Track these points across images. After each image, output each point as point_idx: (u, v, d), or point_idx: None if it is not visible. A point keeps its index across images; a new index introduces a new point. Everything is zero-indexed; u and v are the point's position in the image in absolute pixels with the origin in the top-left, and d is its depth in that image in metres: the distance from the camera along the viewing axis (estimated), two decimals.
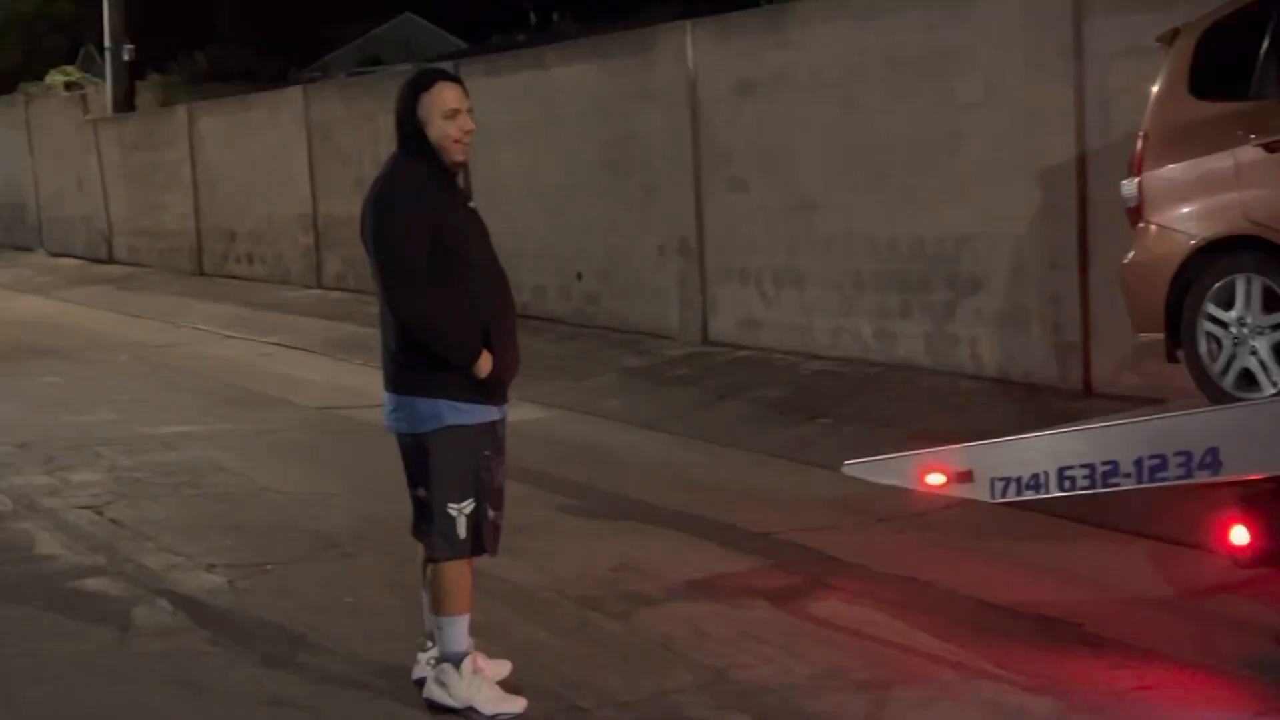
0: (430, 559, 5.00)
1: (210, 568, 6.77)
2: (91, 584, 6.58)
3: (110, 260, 25.11)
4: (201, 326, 17.10)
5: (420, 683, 5.09)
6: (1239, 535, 5.43)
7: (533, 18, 45.44)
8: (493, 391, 4.93)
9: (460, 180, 5.11)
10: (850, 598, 6.18)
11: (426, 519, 4.98)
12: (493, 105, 15.58)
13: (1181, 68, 6.06)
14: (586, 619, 5.96)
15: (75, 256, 26.32)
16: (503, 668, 5.19)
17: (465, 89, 4.93)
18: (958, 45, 10.29)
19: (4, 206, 29.96)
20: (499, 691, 4.97)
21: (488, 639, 5.67)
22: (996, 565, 6.55)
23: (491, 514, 4.99)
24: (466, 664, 4.94)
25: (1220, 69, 5.90)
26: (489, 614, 5.99)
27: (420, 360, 4.87)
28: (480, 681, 4.95)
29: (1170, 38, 6.23)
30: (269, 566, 6.81)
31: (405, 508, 7.84)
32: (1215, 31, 5.99)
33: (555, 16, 43.94)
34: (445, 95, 4.86)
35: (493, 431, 4.98)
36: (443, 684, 4.94)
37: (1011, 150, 9.92)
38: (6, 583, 6.61)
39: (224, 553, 7.04)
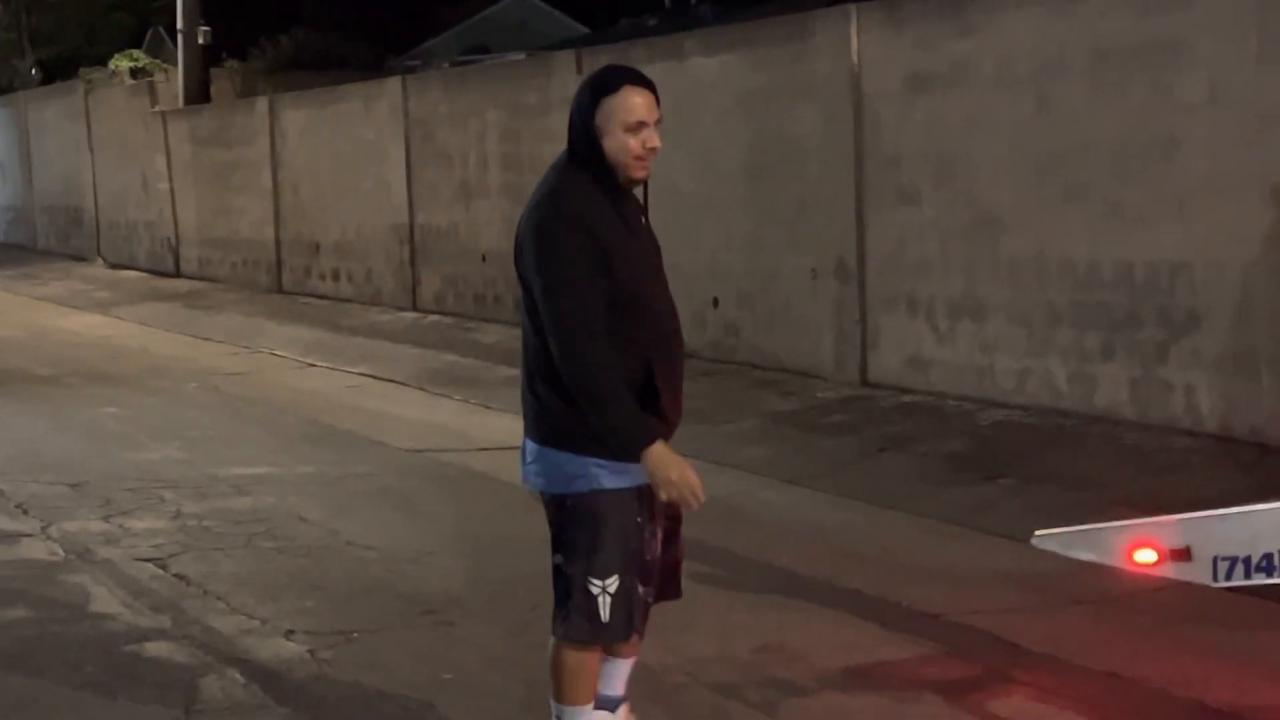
0: (566, 638, 4.87)
1: (288, 634, 6.81)
2: (153, 649, 6.64)
3: (177, 274, 25.60)
4: (279, 352, 17.35)
5: None
6: None
7: (667, 0, 45.80)
8: None
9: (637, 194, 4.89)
10: (1038, 694, 6.08)
11: (564, 592, 4.85)
12: None
13: None
14: (724, 708, 5.93)
15: (137, 268, 26.84)
16: None
17: (657, 97, 4.73)
18: (1176, 35, 10.16)
19: (59, 210, 30.59)
20: None
21: None
22: (1217, 661, 6.39)
23: (641, 591, 4.85)
24: None
25: None
26: None
27: (569, 406, 4.70)
28: None
29: None
30: (355, 634, 6.82)
31: (512, 570, 7.91)
32: None
33: None
34: (631, 103, 4.68)
35: (649, 495, 4.77)
36: None
37: (1240, 160, 9.77)
38: (57, 645, 6.70)
39: (304, 617, 7.09)
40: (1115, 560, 6.26)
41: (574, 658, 4.87)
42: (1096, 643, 6.67)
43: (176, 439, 11.76)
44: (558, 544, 4.84)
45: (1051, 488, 9.29)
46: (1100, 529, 6.48)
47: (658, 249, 4.89)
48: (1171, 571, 6.03)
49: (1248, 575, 5.72)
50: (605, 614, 4.76)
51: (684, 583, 7.67)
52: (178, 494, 9.71)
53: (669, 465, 4.60)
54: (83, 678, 6.27)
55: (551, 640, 4.91)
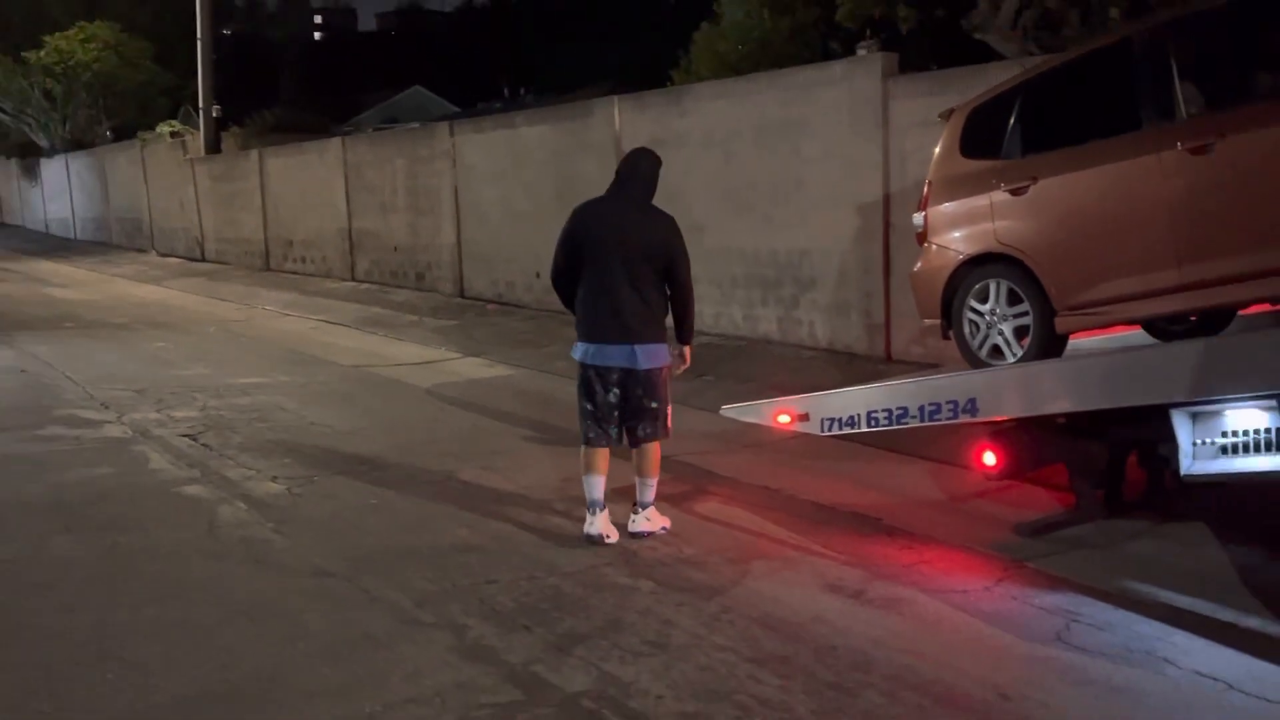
0: (657, 438, 5.46)
1: (274, 479, 6.71)
2: (189, 490, 6.49)
3: (203, 259, 24.64)
4: (268, 307, 16.83)
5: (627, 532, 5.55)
6: (989, 458, 5.54)
7: (505, 91, 45.23)
8: None
9: None
10: (723, 500, 6.24)
11: (652, 419, 5.41)
12: (478, 153, 15.47)
13: (955, 136, 6.12)
14: (542, 514, 5.97)
15: (178, 256, 25.80)
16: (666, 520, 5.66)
17: None
18: (803, 117, 10.34)
19: (127, 220, 29.30)
20: (663, 518, 5.64)
21: (472, 530, 5.67)
22: (824, 478, 6.63)
23: None
24: (654, 505, 5.60)
25: (981, 137, 5.95)
26: (475, 510, 6.00)
27: (659, 323, 5.36)
28: (658, 514, 5.60)
29: (948, 115, 6.29)
30: (315, 478, 6.73)
31: (415, 438, 7.80)
32: (978, 111, 6.05)
33: (521, 90, 43.79)
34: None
35: None
36: (649, 519, 5.53)
37: (839, 190, 10.00)
38: (130, 488, 6.51)
39: (284, 468, 6.97)
40: (767, 422, 6.37)
41: (659, 450, 5.51)
42: (757, 469, 6.87)
43: (203, 361, 11.37)
44: (653, 393, 5.38)
45: (732, 381, 9.47)
46: (759, 403, 6.58)
47: None
48: (799, 428, 6.15)
49: (840, 428, 5.86)
50: (670, 423, 5.53)
51: (521, 442, 7.72)
52: (204, 395, 9.41)
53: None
54: (146, 508, 6.11)
55: (645, 445, 5.46)
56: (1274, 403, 4.46)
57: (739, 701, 3.82)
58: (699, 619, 4.52)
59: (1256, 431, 4.56)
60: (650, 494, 5.54)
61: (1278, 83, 4.60)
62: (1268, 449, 4.53)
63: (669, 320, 5.49)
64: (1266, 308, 5.14)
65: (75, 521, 5.87)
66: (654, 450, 5.50)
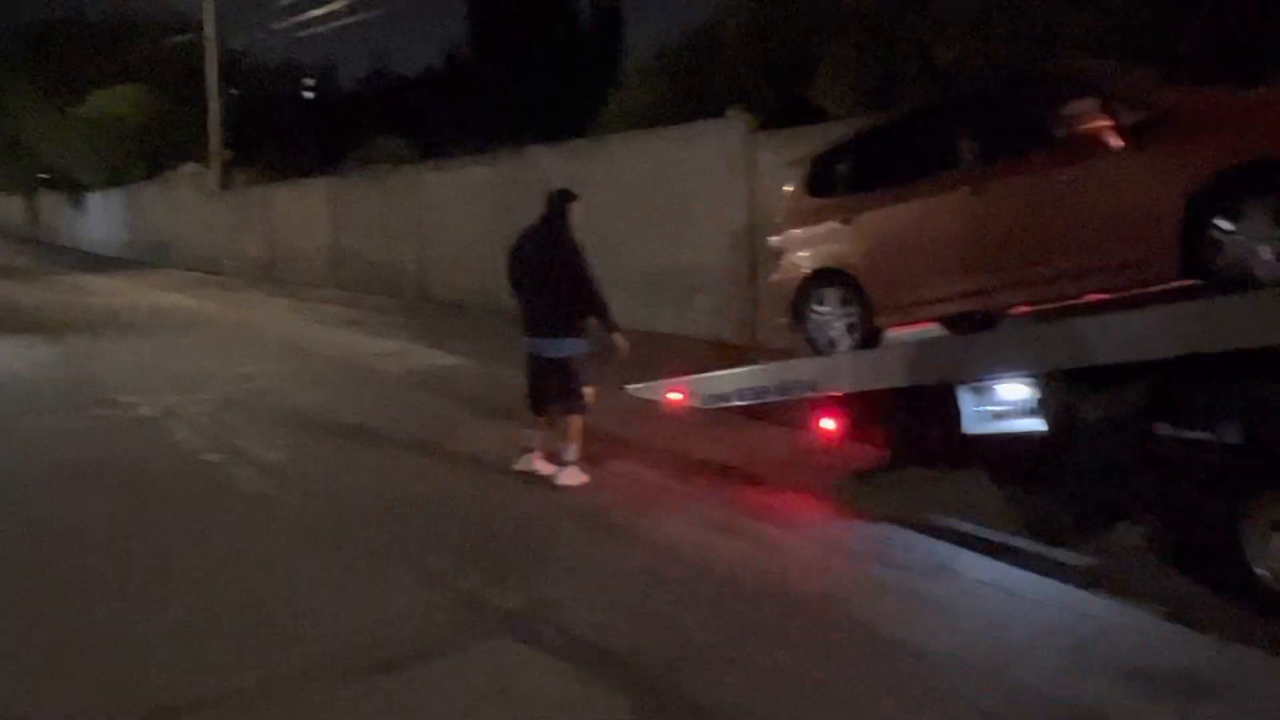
0: (576, 412, 5.45)
1: (275, 447, 6.53)
2: (208, 456, 6.29)
3: (219, 273, 23.82)
4: (269, 311, 16.33)
5: (520, 472, 5.60)
6: (827, 423, 5.65)
7: (459, 140, 44.39)
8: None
9: None
10: (630, 459, 6.25)
11: (571, 398, 5.43)
12: (441, 189, 15.22)
13: (804, 178, 6.19)
14: (486, 471, 5.91)
15: (198, 271, 24.92)
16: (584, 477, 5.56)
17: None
18: (688, 161, 10.38)
19: (157, 243, 28.23)
20: (583, 475, 5.51)
21: (432, 486, 5.60)
22: (706, 440, 6.65)
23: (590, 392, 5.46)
24: (576, 465, 5.51)
25: (822, 179, 6.04)
26: (435, 470, 5.92)
27: (576, 321, 5.38)
28: (579, 471, 5.51)
29: (798, 161, 6.37)
30: (309, 446, 6.56)
31: (387, 414, 7.65)
32: (820, 159, 6.12)
33: (471, 139, 43.05)
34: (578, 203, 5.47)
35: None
36: (570, 476, 5.46)
37: (716, 218, 10.08)
38: (159, 456, 6.28)
39: (281, 437, 6.79)
40: (662, 398, 6.40)
41: (580, 422, 5.50)
42: (656, 434, 6.84)
43: (218, 354, 10.97)
44: (566, 378, 5.39)
45: (637, 367, 9.30)
46: (656, 384, 6.60)
47: None
48: (685, 403, 6.20)
49: (718, 403, 5.92)
50: (589, 401, 5.48)
51: (472, 417, 7.59)
52: (218, 381, 9.09)
53: (622, 336, 5.50)
54: (173, 470, 5.93)
55: (569, 418, 5.47)
56: (1032, 380, 4.64)
57: (639, 613, 3.85)
58: (609, 552, 4.54)
59: (1019, 402, 4.74)
60: (571, 455, 5.56)
61: (1023, 144, 4.78)
62: (1028, 414, 4.71)
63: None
64: (1027, 309, 5.34)
65: (111, 482, 5.67)
66: (573, 421, 5.52)
